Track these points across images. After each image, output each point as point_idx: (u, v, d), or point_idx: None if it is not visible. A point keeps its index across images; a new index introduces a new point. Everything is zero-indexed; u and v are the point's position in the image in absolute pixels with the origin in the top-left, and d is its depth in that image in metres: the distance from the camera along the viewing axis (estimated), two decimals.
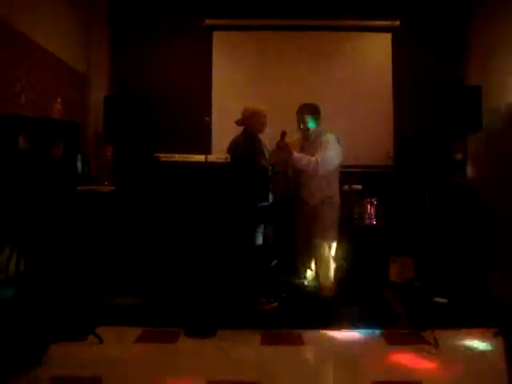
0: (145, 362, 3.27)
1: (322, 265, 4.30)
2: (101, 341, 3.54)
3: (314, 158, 4.19)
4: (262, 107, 4.48)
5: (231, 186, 4.29)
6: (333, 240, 4.33)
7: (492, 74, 5.56)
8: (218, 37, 6.42)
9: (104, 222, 4.44)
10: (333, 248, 4.32)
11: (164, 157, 4.96)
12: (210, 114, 5.99)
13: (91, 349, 3.45)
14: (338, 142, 4.37)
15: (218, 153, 4.85)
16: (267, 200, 4.28)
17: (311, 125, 4.42)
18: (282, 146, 4.24)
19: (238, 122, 4.46)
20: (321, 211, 4.32)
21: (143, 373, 3.08)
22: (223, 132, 5.27)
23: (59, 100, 5.08)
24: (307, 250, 4.42)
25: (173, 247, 4.56)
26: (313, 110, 4.46)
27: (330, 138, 4.31)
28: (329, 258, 4.29)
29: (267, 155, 4.46)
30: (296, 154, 4.25)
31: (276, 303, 4.27)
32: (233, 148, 4.38)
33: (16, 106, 4.30)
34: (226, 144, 4.49)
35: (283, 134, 4.28)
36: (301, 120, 4.45)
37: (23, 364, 2.98)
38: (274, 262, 5.03)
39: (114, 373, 3.03)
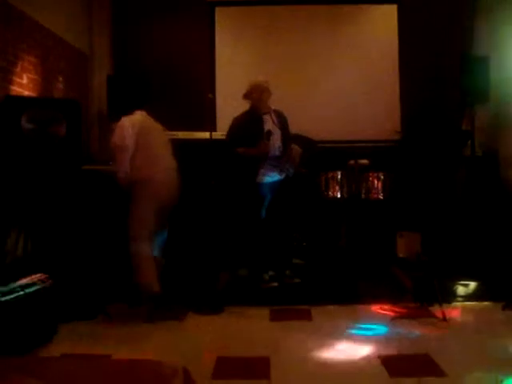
0: (154, 339, 3.29)
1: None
2: (110, 319, 3.57)
3: None
4: (261, 80, 4.38)
5: (230, 164, 4.31)
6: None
7: (500, 45, 5.45)
8: (220, 12, 6.32)
9: (110, 201, 4.43)
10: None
11: (168, 134, 4.96)
12: (214, 91, 5.92)
13: (101, 327, 3.49)
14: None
15: (223, 130, 4.82)
16: (253, 180, 4.23)
17: None
18: None
19: (245, 97, 4.42)
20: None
21: (152, 350, 3.10)
22: (228, 109, 5.23)
23: (61, 79, 5.04)
24: None
25: (178, 225, 4.58)
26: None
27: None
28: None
29: (271, 133, 4.29)
30: None
31: (276, 283, 4.26)
32: (229, 128, 4.40)
33: (18, 86, 4.26)
34: (230, 120, 4.45)
35: None
36: None
37: (35, 340, 3.01)
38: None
39: (124, 350, 3.05)
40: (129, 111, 3.87)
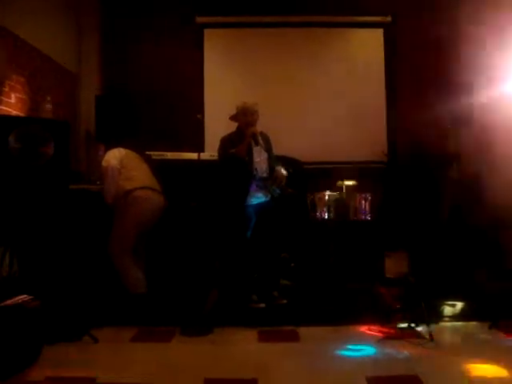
0: (140, 361, 3.25)
1: None
2: (96, 341, 3.52)
3: None
4: (249, 103, 4.38)
5: (218, 185, 4.33)
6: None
7: (481, 70, 5.57)
8: (209, 34, 6.39)
9: (97, 220, 4.41)
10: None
11: (156, 155, 4.97)
12: (202, 112, 5.96)
13: (86, 349, 3.43)
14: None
15: (211, 150, 4.85)
16: (243, 201, 4.24)
17: None
18: None
19: (231, 118, 4.44)
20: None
21: (139, 372, 3.06)
22: (216, 129, 5.25)
23: (49, 99, 5.04)
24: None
25: (166, 246, 4.57)
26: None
27: None
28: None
29: (258, 153, 4.32)
30: None
31: (264, 304, 4.24)
32: (219, 147, 4.39)
33: (6, 105, 4.26)
34: (218, 141, 4.46)
35: None
36: None
37: (18, 364, 2.95)
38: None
39: (110, 373, 3.00)
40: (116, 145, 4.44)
